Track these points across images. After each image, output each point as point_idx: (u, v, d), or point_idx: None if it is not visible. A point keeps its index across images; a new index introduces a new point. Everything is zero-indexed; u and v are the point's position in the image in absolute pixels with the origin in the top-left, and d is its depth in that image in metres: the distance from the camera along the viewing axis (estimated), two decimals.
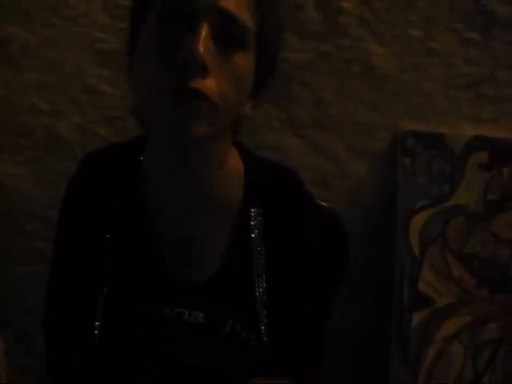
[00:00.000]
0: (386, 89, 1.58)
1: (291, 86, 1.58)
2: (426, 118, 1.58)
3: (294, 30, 1.54)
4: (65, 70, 1.58)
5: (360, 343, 1.63)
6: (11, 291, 1.64)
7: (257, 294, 1.01)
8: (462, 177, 1.56)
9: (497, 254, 1.55)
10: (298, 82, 1.57)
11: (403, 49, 1.56)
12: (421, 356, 1.55)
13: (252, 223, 1.02)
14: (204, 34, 0.86)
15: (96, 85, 1.59)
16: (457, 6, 1.55)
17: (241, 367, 1.01)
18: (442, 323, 1.55)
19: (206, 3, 0.87)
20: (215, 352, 1.01)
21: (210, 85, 0.87)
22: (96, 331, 0.99)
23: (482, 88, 1.57)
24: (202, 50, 0.85)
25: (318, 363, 1.10)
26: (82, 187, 1.07)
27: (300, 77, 1.57)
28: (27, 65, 1.58)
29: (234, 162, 1.04)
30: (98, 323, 0.99)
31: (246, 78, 0.92)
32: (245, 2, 0.90)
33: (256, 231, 1.02)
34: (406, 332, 1.55)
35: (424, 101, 1.58)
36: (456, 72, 1.57)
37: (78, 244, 1.04)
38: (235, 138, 1.03)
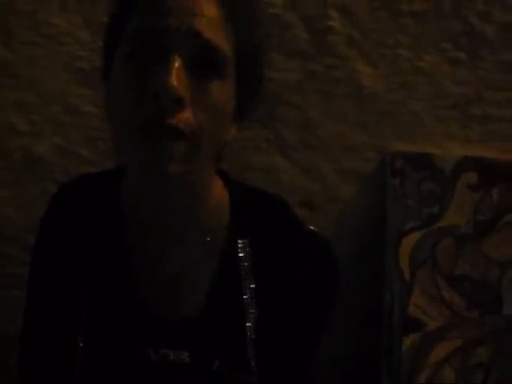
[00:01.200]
0: (375, 109, 1.56)
1: (278, 106, 1.55)
2: (414, 138, 1.56)
3: (281, 50, 1.52)
4: (45, 89, 1.53)
5: (350, 368, 1.59)
6: None
7: (245, 330, 0.96)
8: (452, 198, 1.55)
9: (487, 276, 1.53)
10: (286, 102, 1.55)
11: (391, 68, 1.55)
12: (412, 381, 1.52)
13: (240, 255, 0.97)
14: (178, 64, 0.81)
15: (77, 104, 1.54)
16: (445, 26, 1.54)
17: None
18: (434, 347, 1.52)
19: (179, 29, 0.82)
20: None
21: (185, 118, 0.82)
22: (77, 375, 0.93)
23: (469, 108, 1.56)
24: (175, 82, 0.80)
25: None
26: (55, 223, 1.00)
27: (287, 97, 1.54)
28: (6, 84, 1.53)
29: (218, 191, 1.00)
30: (78, 367, 0.93)
31: (225, 107, 0.87)
32: (220, 27, 0.86)
33: (245, 263, 0.97)
34: (397, 356, 1.52)
35: (412, 121, 1.57)
36: (444, 92, 1.56)
37: (53, 284, 0.98)
38: (218, 164, 0.98)
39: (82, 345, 0.94)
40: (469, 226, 1.54)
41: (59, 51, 1.52)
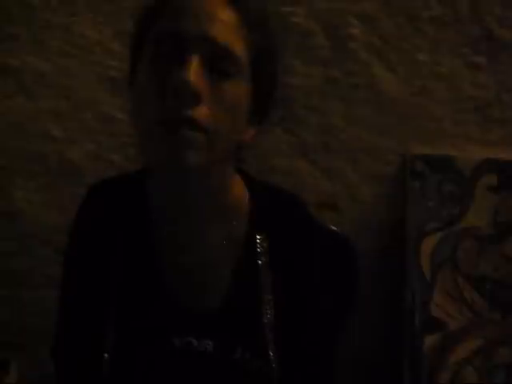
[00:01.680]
0: (394, 113, 1.59)
1: (300, 111, 1.60)
2: (435, 141, 1.59)
3: (302, 57, 1.57)
4: (78, 98, 1.61)
5: (372, 368, 1.62)
6: (23, 316, 1.65)
7: (265, 321, 1.00)
8: (472, 199, 1.57)
9: (508, 276, 1.55)
10: (307, 107, 1.59)
11: (410, 73, 1.59)
12: (434, 381, 1.54)
13: (258, 250, 1.02)
14: (195, 63, 0.87)
15: (109, 112, 1.61)
16: (463, 31, 1.58)
17: None
18: (455, 347, 1.54)
19: (196, 33, 0.88)
20: (225, 380, 1.00)
21: (202, 113, 0.87)
22: (105, 363, 0.99)
23: (489, 111, 1.59)
24: (193, 78, 0.85)
25: None
26: (87, 220, 1.06)
27: (308, 102, 1.59)
28: (41, 93, 1.61)
29: (238, 189, 1.04)
30: (106, 355, 0.99)
31: (239, 106, 0.92)
32: (235, 31, 0.91)
33: (262, 258, 1.02)
34: (418, 356, 1.54)
35: (432, 124, 1.60)
36: (463, 95, 1.59)
37: (86, 277, 1.04)
38: (239, 165, 1.03)
39: (111, 333, 0.99)
40: (489, 227, 1.56)
41: (91, 61, 1.60)
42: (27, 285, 1.65)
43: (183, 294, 1.01)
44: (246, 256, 1.01)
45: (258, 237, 1.02)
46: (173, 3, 0.91)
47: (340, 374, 1.30)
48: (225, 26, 0.90)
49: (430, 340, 1.54)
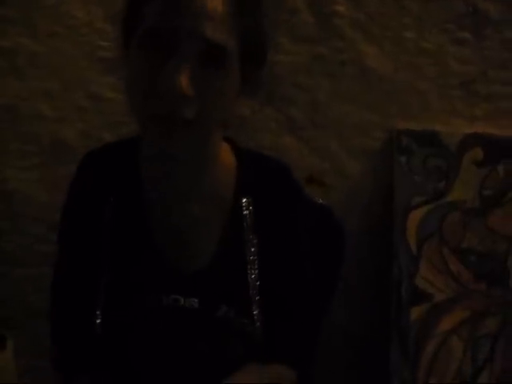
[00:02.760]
0: (381, 89, 1.61)
1: (287, 88, 1.62)
2: (421, 116, 1.61)
3: (288, 34, 1.59)
4: (69, 78, 1.63)
5: (359, 340, 1.65)
6: (17, 294, 1.68)
7: (249, 280, 1.05)
8: (458, 173, 1.59)
9: (494, 249, 1.57)
10: (294, 84, 1.61)
11: (397, 49, 1.60)
12: (420, 351, 1.57)
13: (244, 212, 1.07)
14: (184, 63, 0.90)
15: (99, 91, 1.64)
16: (448, 7, 1.59)
17: (235, 352, 1.05)
18: (441, 318, 1.57)
19: (186, 30, 0.91)
20: (210, 337, 1.05)
21: (192, 108, 0.92)
22: (97, 320, 1.04)
23: (474, 86, 1.61)
24: (182, 81, 0.89)
25: (311, 350, 1.13)
26: (81, 185, 1.12)
27: (295, 79, 1.61)
28: (33, 73, 1.63)
29: (226, 156, 1.10)
30: (98, 312, 1.04)
31: (228, 97, 0.97)
32: (224, 23, 0.93)
33: (248, 220, 1.06)
34: (405, 327, 1.57)
35: (418, 100, 1.62)
36: (449, 71, 1.61)
37: (79, 237, 1.09)
38: (226, 132, 1.07)
39: (102, 292, 1.05)
40: (475, 200, 1.59)
41: (81, 42, 1.62)
42: (20, 263, 1.68)
43: (171, 254, 1.06)
44: (232, 218, 1.07)
45: (244, 200, 1.07)
46: None
47: (328, 346, 1.33)
48: (215, 20, 0.92)
49: (416, 312, 1.57)
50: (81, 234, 1.09)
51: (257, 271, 1.06)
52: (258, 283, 1.05)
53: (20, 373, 1.56)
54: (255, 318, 1.05)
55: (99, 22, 1.62)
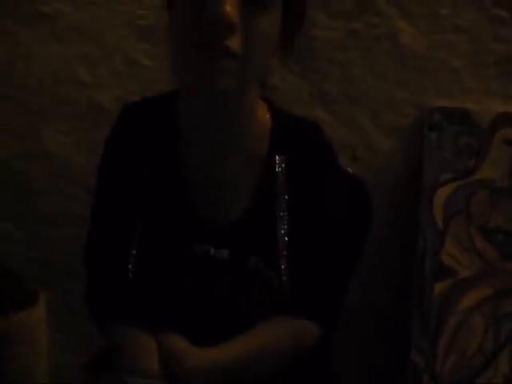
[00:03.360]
0: (414, 66, 1.62)
1: (322, 62, 1.63)
2: (453, 94, 1.62)
3: (324, 9, 1.60)
4: (106, 45, 1.67)
5: (382, 313, 1.67)
6: (54, 253, 1.74)
7: (278, 235, 1.09)
8: (488, 152, 1.59)
9: None
10: (328, 59, 1.63)
11: (431, 26, 1.60)
12: (441, 326, 1.59)
13: (276, 169, 1.10)
14: None
15: (136, 58, 1.67)
16: None
17: (261, 304, 1.09)
18: (464, 295, 1.58)
19: None
20: (238, 287, 1.08)
21: (236, 42, 0.94)
22: (130, 266, 1.09)
23: (509, 65, 1.60)
24: (228, 9, 0.92)
25: (336, 308, 1.16)
26: (120, 136, 1.16)
27: (330, 54, 1.63)
28: (72, 39, 1.67)
29: (262, 114, 1.12)
30: (132, 259, 1.09)
31: (271, 37, 0.99)
32: None
33: (280, 177, 1.10)
34: (428, 302, 1.58)
35: (451, 78, 1.62)
36: (484, 49, 1.60)
37: (117, 185, 1.14)
38: (263, 92, 1.10)
39: (137, 238, 1.09)
40: (504, 180, 1.59)
41: (120, 10, 1.66)
42: (57, 223, 1.73)
43: (205, 207, 1.10)
44: (264, 175, 1.10)
45: (277, 157, 1.10)
46: None
47: (351, 319, 1.35)
48: None
49: (439, 287, 1.58)
50: (119, 180, 1.13)
51: (286, 227, 1.09)
52: (287, 239, 1.08)
53: (53, 328, 1.62)
54: (282, 272, 1.08)
55: None
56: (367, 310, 1.67)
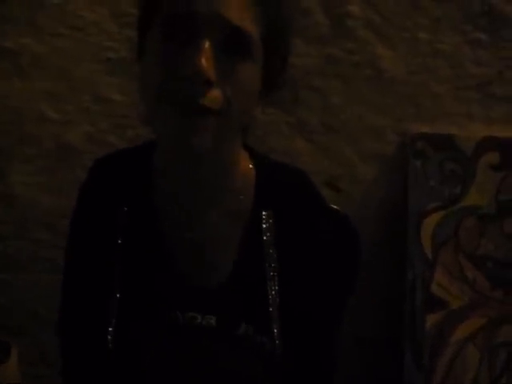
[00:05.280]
0: (395, 91, 1.58)
1: (299, 90, 1.58)
2: (436, 119, 1.58)
3: (301, 35, 1.55)
4: (74, 79, 1.59)
5: (373, 347, 1.62)
6: (22, 300, 1.64)
7: (269, 297, 1.00)
8: (474, 178, 1.56)
9: (510, 255, 1.54)
10: (306, 86, 1.58)
11: (411, 51, 1.57)
12: (435, 359, 1.54)
13: (264, 226, 1.02)
14: (207, 46, 0.85)
15: (106, 93, 1.59)
16: (464, 8, 1.55)
17: (254, 371, 1.01)
18: (456, 326, 1.54)
19: (209, 14, 0.86)
20: (228, 356, 1.00)
21: (214, 97, 0.86)
22: (109, 337, 0.99)
23: (490, 88, 1.57)
24: (205, 64, 0.84)
25: (332, 367, 1.09)
26: (91, 193, 1.06)
27: (308, 81, 1.57)
28: (37, 74, 1.59)
29: (245, 164, 1.04)
30: (111, 329, 0.99)
31: (252, 87, 0.91)
32: (248, 10, 0.89)
33: (268, 234, 1.01)
34: (420, 335, 1.54)
35: (433, 102, 1.58)
36: (465, 73, 1.57)
37: (89, 250, 1.04)
38: (245, 140, 1.03)
39: (115, 307, 1.00)
40: (491, 205, 1.55)
41: (87, 42, 1.58)
42: (25, 268, 1.64)
43: (188, 269, 1.01)
44: (251, 232, 1.01)
45: (264, 213, 1.02)
46: None
47: (341, 352, 1.29)
48: (237, 6, 0.88)
49: (431, 319, 1.53)
50: (92, 246, 1.04)
51: (277, 288, 1.01)
52: (278, 299, 1.01)
53: (25, 381, 1.53)
54: (275, 335, 1.00)
55: (105, 23, 1.58)
56: (355, 345, 1.61)
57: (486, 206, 1.55)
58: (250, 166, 1.04)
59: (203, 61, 0.84)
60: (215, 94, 0.86)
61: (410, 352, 1.54)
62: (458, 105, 1.58)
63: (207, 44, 0.85)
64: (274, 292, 1.00)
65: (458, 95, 1.58)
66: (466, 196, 1.56)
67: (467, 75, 1.57)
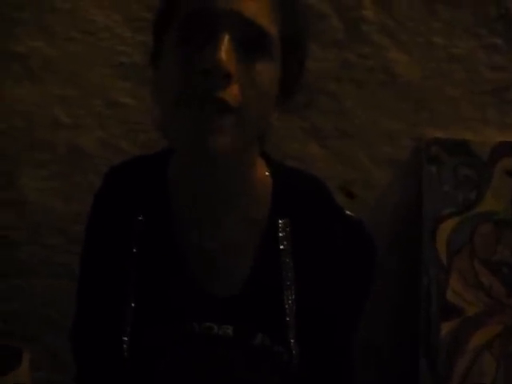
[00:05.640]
0: (410, 96, 1.56)
1: (314, 95, 1.56)
2: (451, 124, 1.57)
3: (316, 40, 1.53)
4: (86, 84, 1.58)
5: (388, 355, 1.60)
6: (35, 305, 1.63)
7: (286, 306, 0.99)
8: (489, 183, 1.54)
9: None
10: (321, 91, 1.56)
11: (426, 56, 1.55)
12: (451, 368, 1.52)
13: (280, 234, 1.00)
14: (226, 42, 0.84)
15: (118, 98, 1.58)
16: (479, 12, 1.54)
17: (271, 381, 0.99)
18: (472, 333, 1.52)
19: (228, 11, 0.85)
20: (245, 366, 0.98)
21: (233, 93, 0.85)
22: (125, 346, 0.98)
23: (506, 93, 1.56)
24: (224, 58, 0.83)
25: (351, 375, 1.08)
26: (107, 200, 1.05)
27: (323, 86, 1.56)
28: (48, 79, 1.58)
29: (261, 172, 1.02)
30: (126, 338, 0.98)
31: (270, 88, 0.89)
32: (267, 10, 0.88)
33: (284, 242, 1.00)
34: (435, 343, 1.52)
35: (448, 107, 1.57)
36: (480, 78, 1.56)
37: (105, 258, 1.02)
38: (262, 148, 1.01)
39: (130, 317, 0.98)
40: (507, 211, 1.54)
41: (99, 47, 1.57)
42: (38, 274, 1.62)
43: (204, 279, 0.99)
44: (267, 241, 0.99)
45: (281, 221, 1.00)
46: None
47: (357, 359, 1.28)
48: (258, 5, 0.87)
49: (446, 327, 1.52)
50: (107, 254, 1.02)
51: (293, 297, 0.99)
52: (295, 309, 0.99)
53: None
54: (292, 344, 0.98)
55: (118, 27, 1.57)
56: (370, 353, 1.59)
57: (501, 212, 1.54)
58: (267, 173, 1.03)
59: (223, 54, 0.83)
60: (234, 91, 0.85)
61: (425, 359, 1.52)
62: (472, 110, 1.57)
63: (227, 38, 0.84)
64: (290, 301, 0.99)
65: (473, 100, 1.57)
66: (481, 202, 1.54)
67: (482, 80, 1.56)
